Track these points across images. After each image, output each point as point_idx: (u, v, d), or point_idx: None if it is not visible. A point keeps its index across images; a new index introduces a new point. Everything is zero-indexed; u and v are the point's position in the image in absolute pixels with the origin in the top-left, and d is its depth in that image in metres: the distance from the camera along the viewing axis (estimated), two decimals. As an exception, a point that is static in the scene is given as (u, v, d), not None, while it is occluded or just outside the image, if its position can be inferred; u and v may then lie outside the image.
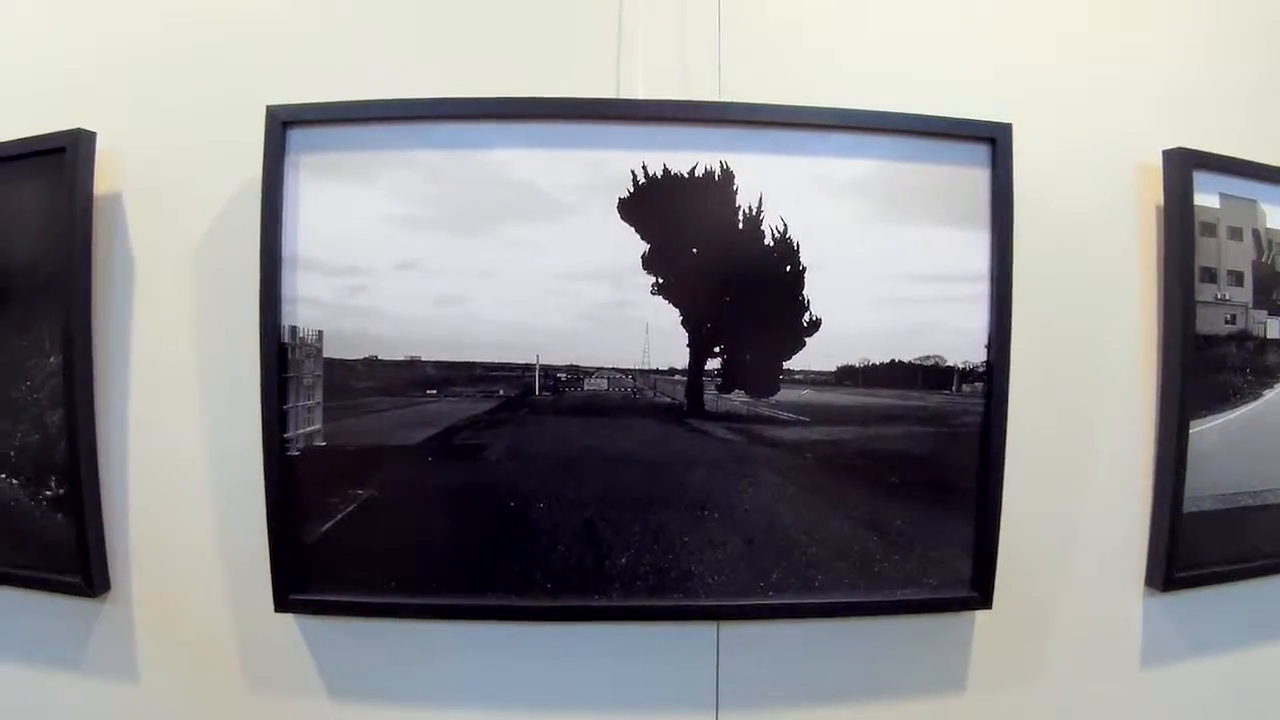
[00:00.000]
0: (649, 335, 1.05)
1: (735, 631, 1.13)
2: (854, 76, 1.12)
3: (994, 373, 1.08)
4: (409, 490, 1.06)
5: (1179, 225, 1.14)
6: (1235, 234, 1.19)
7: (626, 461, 1.06)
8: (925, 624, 1.15)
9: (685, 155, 1.05)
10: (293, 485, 1.04)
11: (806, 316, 1.06)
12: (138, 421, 1.12)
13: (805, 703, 1.15)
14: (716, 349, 1.06)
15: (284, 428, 1.03)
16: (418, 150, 1.04)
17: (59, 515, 1.08)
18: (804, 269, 1.06)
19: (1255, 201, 1.20)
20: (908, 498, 1.09)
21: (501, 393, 1.06)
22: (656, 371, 1.06)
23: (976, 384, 1.09)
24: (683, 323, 1.05)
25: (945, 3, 1.16)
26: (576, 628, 1.12)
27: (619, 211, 1.04)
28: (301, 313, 1.04)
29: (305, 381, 1.04)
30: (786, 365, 1.07)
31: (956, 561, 1.09)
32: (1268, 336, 1.21)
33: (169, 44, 1.11)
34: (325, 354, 1.04)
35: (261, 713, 1.14)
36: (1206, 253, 1.16)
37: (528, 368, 1.05)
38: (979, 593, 1.09)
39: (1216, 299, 1.17)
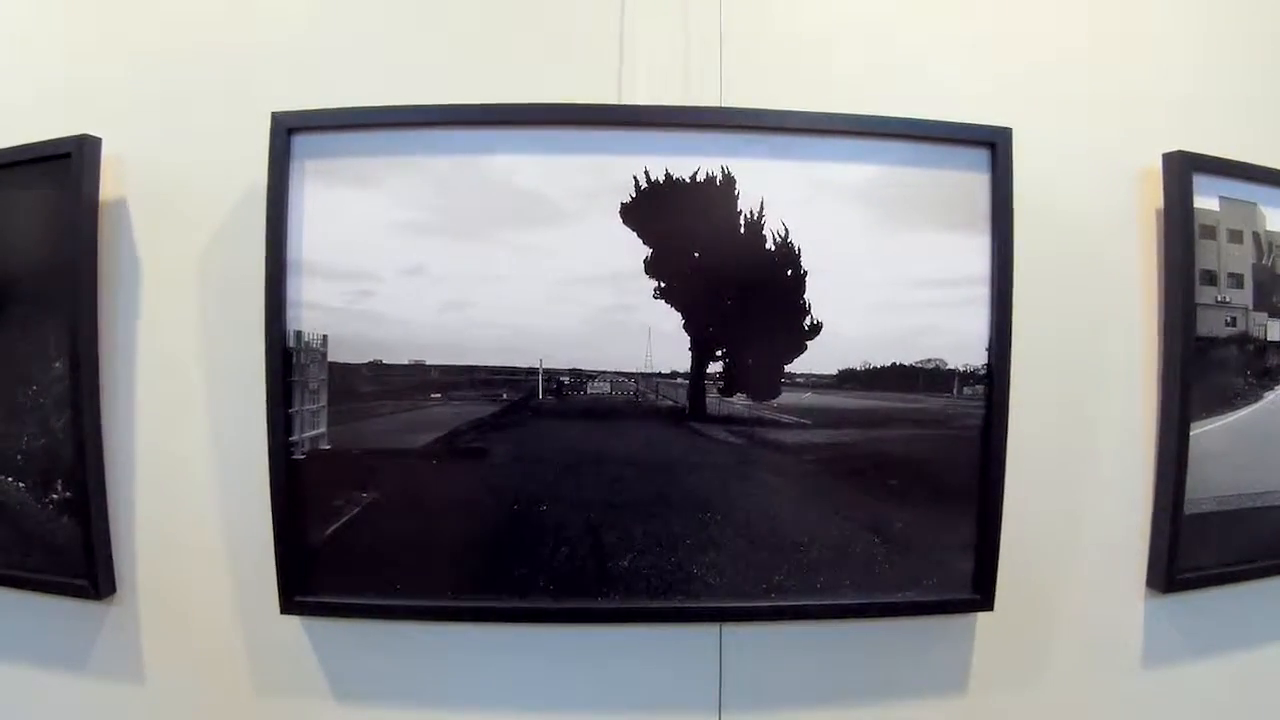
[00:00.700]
0: (651, 339, 1.06)
1: (737, 633, 1.14)
2: (855, 82, 1.13)
3: (995, 376, 1.08)
4: (413, 493, 1.06)
5: (1179, 228, 1.14)
6: (1235, 236, 1.19)
7: (629, 464, 1.07)
8: (927, 625, 1.15)
9: (687, 160, 1.05)
10: (298, 488, 1.05)
11: (808, 320, 1.07)
12: (144, 425, 1.13)
13: (808, 704, 1.15)
14: (718, 352, 1.07)
15: (289, 431, 1.04)
16: (422, 156, 1.04)
17: (65, 518, 1.09)
18: (805, 273, 1.06)
19: (1255, 204, 1.20)
20: (909, 500, 1.09)
21: (505, 396, 1.06)
22: (659, 375, 1.06)
23: (977, 387, 1.09)
24: (685, 326, 1.06)
25: (945, 8, 1.16)
26: (580, 629, 1.13)
27: (621, 216, 1.05)
28: (306, 317, 1.04)
29: (310, 386, 1.05)
30: (788, 368, 1.07)
31: (958, 563, 1.10)
32: (1268, 339, 1.21)
33: (175, 50, 1.12)
34: (330, 358, 1.05)
35: (267, 715, 1.14)
36: (1206, 255, 1.16)
37: (531, 371, 1.06)
38: (981, 594, 1.10)
39: (1217, 301, 1.18)
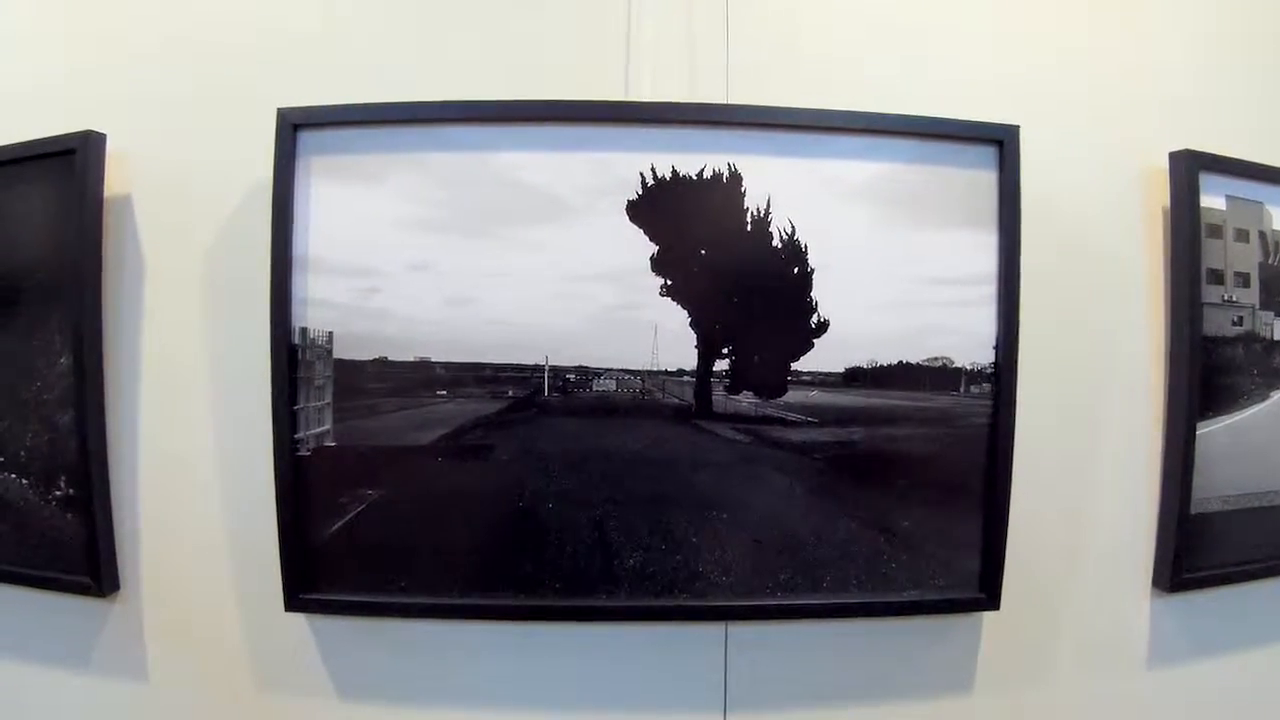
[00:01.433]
0: (657, 336, 1.05)
1: (743, 631, 1.14)
2: (861, 79, 1.13)
3: (1001, 374, 1.08)
4: (419, 490, 1.06)
5: (1185, 227, 1.14)
6: (1242, 235, 1.19)
7: (635, 462, 1.06)
8: (933, 624, 1.15)
9: (693, 157, 1.05)
10: (303, 485, 1.04)
11: (814, 318, 1.06)
12: (148, 422, 1.12)
13: (813, 703, 1.15)
14: (725, 350, 1.07)
15: (294, 428, 1.04)
16: (427, 152, 1.04)
17: (69, 515, 1.09)
18: (812, 271, 1.06)
19: (1262, 203, 1.20)
20: (915, 499, 1.09)
21: (511, 393, 1.06)
22: (665, 373, 1.06)
23: (984, 385, 1.09)
24: (691, 324, 1.06)
25: (952, 6, 1.16)
26: (585, 627, 1.12)
27: (628, 213, 1.05)
28: (311, 314, 1.04)
29: (316, 382, 1.05)
30: (794, 366, 1.07)
31: (964, 562, 1.10)
32: (1274, 338, 1.21)
33: (179, 46, 1.12)
34: (335, 355, 1.04)
35: (271, 712, 1.14)
36: (1213, 254, 1.16)
37: (537, 368, 1.05)
38: (987, 594, 1.10)
39: (1223, 300, 1.18)
